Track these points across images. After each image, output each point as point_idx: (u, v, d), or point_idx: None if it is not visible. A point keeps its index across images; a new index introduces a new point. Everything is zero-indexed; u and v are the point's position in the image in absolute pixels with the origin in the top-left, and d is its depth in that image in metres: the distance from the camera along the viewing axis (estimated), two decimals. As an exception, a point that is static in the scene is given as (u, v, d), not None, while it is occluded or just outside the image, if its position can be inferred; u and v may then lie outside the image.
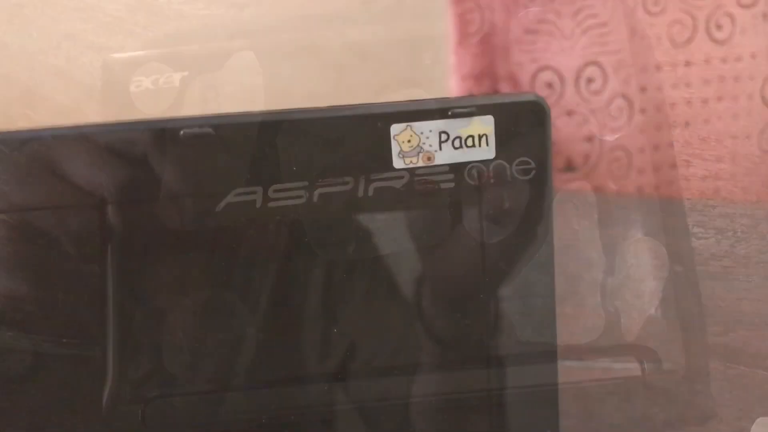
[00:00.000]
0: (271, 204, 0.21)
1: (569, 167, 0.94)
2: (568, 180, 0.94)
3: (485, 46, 0.89)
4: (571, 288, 0.44)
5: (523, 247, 0.18)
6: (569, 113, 0.95)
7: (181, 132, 0.17)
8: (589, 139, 0.96)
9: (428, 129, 0.15)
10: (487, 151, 0.15)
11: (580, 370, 0.37)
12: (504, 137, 0.15)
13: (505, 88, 0.90)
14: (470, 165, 0.15)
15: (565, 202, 0.54)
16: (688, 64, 0.95)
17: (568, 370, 0.36)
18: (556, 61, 0.93)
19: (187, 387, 0.29)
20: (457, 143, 0.15)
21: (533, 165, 0.16)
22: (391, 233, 0.18)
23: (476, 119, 0.15)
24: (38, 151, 0.21)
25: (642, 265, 0.44)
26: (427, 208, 0.17)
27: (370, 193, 0.16)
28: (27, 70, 1.30)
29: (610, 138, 0.90)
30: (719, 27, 0.90)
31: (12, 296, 0.26)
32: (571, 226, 0.50)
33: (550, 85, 0.96)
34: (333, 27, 1.36)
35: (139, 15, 1.42)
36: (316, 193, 0.18)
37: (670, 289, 0.44)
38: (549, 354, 0.22)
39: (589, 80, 0.96)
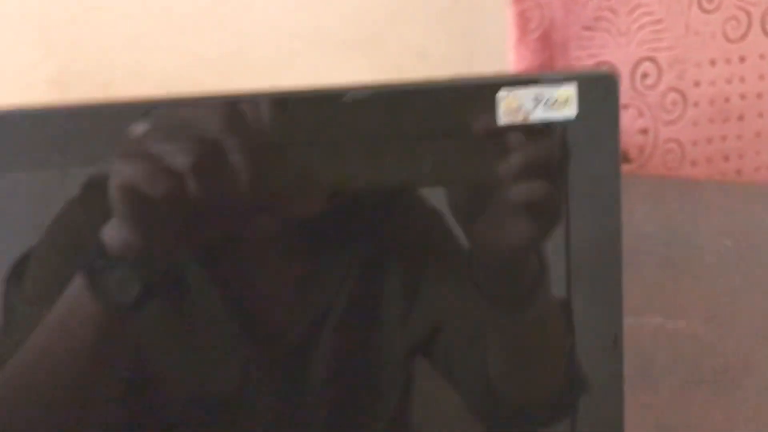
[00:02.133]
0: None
1: (624, 159, 0.98)
2: (623, 171, 0.98)
3: (544, 42, 0.93)
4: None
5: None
6: (625, 107, 0.99)
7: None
8: (644, 131, 1.00)
9: (526, 95, 0.18)
10: (570, 112, 0.19)
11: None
12: (584, 100, 0.19)
13: (562, 82, 0.94)
14: (556, 123, 0.19)
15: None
16: (742, 59, 0.97)
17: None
18: (612, 56, 0.97)
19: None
20: (549, 104, 0.18)
21: (604, 127, 0.20)
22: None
23: (564, 87, 0.19)
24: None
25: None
26: (521, 154, 0.21)
27: (479, 150, 0.20)
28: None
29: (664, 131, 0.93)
30: (774, 23, 0.92)
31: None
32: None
33: (606, 80, 0.99)
34: (391, 27, 1.40)
35: (206, 18, 1.47)
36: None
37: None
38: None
39: (644, 75, 0.99)
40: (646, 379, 0.38)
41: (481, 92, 0.21)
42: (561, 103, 0.21)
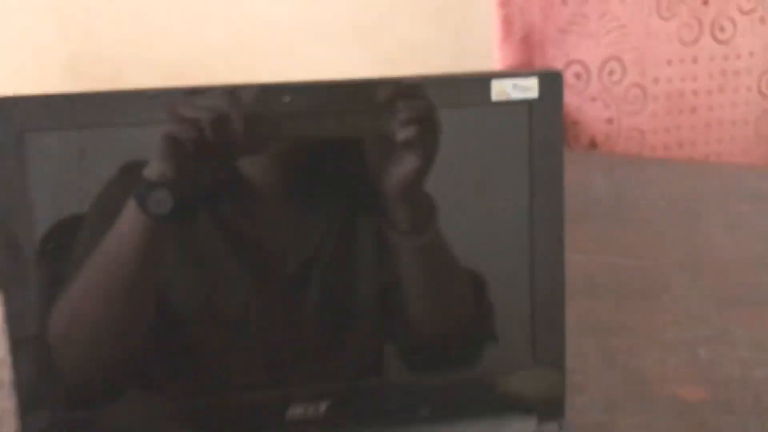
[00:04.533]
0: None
1: (592, 144, 1.12)
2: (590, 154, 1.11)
3: (525, 43, 1.07)
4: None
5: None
6: (593, 99, 1.13)
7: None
8: (610, 121, 1.14)
9: (508, 83, 0.30)
10: (533, 92, 0.31)
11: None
12: (543, 86, 0.31)
13: (540, 77, 1.07)
14: (527, 100, 0.31)
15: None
16: (695, 60, 1.11)
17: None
18: (584, 55, 1.11)
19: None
20: (521, 89, 0.30)
21: (551, 105, 0.32)
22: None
23: (532, 78, 0.30)
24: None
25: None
26: (506, 118, 0.33)
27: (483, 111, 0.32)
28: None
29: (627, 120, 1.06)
30: (722, 29, 1.06)
31: None
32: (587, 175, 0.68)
33: (578, 76, 1.13)
34: (386, 23, 1.47)
35: (214, 8, 1.51)
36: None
37: (655, 215, 0.61)
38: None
39: (611, 72, 1.13)
40: (591, 294, 0.53)
41: (480, 81, 0.35)
42: (529, 88, 0.35)
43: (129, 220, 0.40)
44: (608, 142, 1.08)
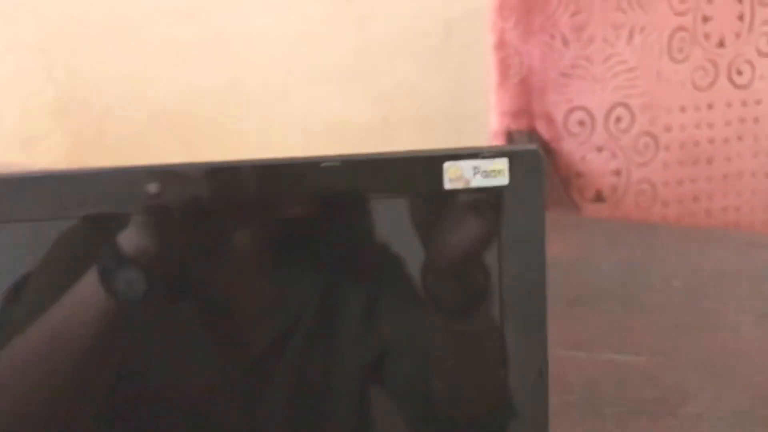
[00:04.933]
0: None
1: (598, 198, 1.03)
2: (597, 210, 1.02)
3: (523, 87, 0.98)
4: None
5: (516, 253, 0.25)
6: (599, 149, 1.04)
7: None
8: (617, 173, 1.05)
9: (467, 166, 0.22)
10: (503, 180, 0.22)
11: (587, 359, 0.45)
12: (514, 172, 0.23)
13: (541, 125, 0.99)
14: (493, 188, 0.22)
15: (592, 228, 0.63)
16: (710, 106, 1.03)
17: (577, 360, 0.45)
18: (588, 101, 1.02)
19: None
20: (485, 174, 0.22)
21: (530, 194, 0.23)
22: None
23: (498, 160, 0.22)
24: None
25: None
26: (465, 214, 0.24)
27: (430, 207, 0.23)
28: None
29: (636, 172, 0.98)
30: (740, 73, 0.98)
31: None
32: (592, 246, 0.59)
33: (582, 123, 1.04)
34: (384, 63, 1.44)
35: (203, 50, 1.50)
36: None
37: (670, 299, 0.52)
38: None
39: (618, 119, 1.04)
40: (593, 408, 0.43)
41: (431, 162, 0.26)
42: (496, 172, 0.26)
43: (87, 296, 0.34)
44: (616, 195, 1.00)
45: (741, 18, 0.96)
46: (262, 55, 1.47)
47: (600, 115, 0.98)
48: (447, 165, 0.25)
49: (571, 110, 0.97)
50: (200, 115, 1.51)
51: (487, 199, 0.26)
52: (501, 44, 0.94)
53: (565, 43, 0.93)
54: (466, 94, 1.43)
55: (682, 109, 0.99)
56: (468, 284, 0.30)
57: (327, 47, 1.47)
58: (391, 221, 0.27)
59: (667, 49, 0.96)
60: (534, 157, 0.27)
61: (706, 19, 0.96)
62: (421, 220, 0.27)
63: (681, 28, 0.95)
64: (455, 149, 0.26)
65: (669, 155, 0.99)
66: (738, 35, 0.96)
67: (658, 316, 0.51)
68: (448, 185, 0.26)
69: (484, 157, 0.26)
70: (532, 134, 0.97)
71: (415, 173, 0.26)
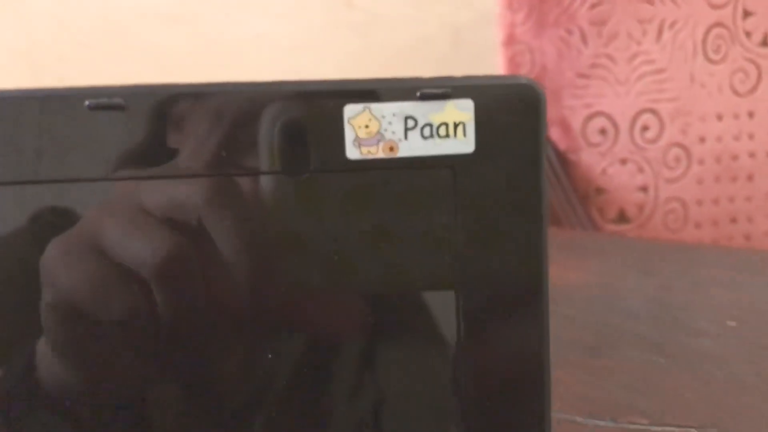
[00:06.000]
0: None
1: (622, 218, 0.90)
2: (619, 232, 0.90)
3: (535, 90, 0.86)
4: (607, 340, 0.40)
5: (507, 283, 0.14)
6: (623, 161, 0.91)
7: (86, 102, 0.15)
8: (644, 189, 0.92)
9: (392, 112, 0.12)
10: (464, 144, 0.12)
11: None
12: (487, 128, 0.13)
13: (555, 133, 0.87)
14: (442, 159, 0.12)
15: (611, 248, 0.51)
16: (751, 114, 0.90)
17: None
18: (610, 106, 0.90)
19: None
20: (427, 132, 0.12)
21: (521, 164, 0.13)
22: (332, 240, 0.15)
23: (451, 103, 0.12)
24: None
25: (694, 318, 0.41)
26: (385, 213, 0.14)
27: (314, 190, 0.13)
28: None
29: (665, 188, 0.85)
30: (786, 77, 0.85)
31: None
32: (615, 273, 0.47)
33: (603, 132, 0.92)
34: (389, 72, 1.36)
35: (202, 58, 1.44)
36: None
37: (724, 346, 0.39)
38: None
39: (645, 128, 0.92)
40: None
41: (319, 107, 0.14)
42: (450, 128, 0.14)
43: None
44: (641, 215, 0.87)
45: (787, 13, 0.84)
46: (258, 63, 1.41)
47: (624, 122, 0.86)
48: (351, 110, 0.14)
49: (591, 116, 0.85)
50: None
51: (430, 181, 0.14)
52: (510, 40, 0.83)
53: (584, 39, 0.81)
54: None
55: (719, 117, 0.87)
56: (414, 323, 0.19)
57: (327, 55, 1.40)
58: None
59: (701, 47, 0.84)
60: (527, 96, 0.14)
61: (747, 13, 0.84)
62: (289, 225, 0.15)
63: (718, 24, 0.83)
64: (369, 80, 0.14)
65: (703, 170, 0.87)
66: (783, 33, 0.84)
67: (710, 369, 0.38)
68: (352, 151, 0.14)
69: (426, 97, 0.14)
70: (546, 144, 0.85)
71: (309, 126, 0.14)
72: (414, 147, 0.14)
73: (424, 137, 0.14)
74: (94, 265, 0.23)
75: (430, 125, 0.14)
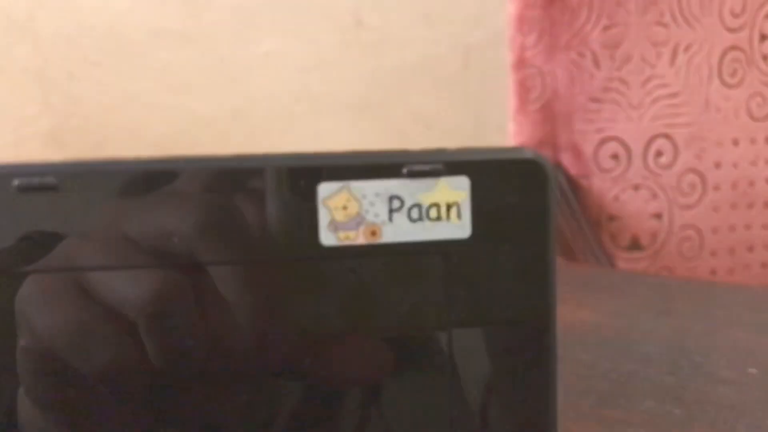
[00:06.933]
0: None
1: (635, 246, 0.88)
2: (632, 260, 0.87)
3: (546, 113, 0.84)
4: (620, 388, 0.38)
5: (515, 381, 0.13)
6: (636, 187, 0.89)
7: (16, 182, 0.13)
8: (658, 216, 0.90)
9: (374, 191, 0.11)
10: (458, 228, 0.11)
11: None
12: (485, 210, 0.11)
13: (566, 158, 0.85)
14: (433, 246, 0.11)
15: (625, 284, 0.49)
16: (768, 139, 0.88)
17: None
18: (623, 131, 0.88)
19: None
20: (415, 214, 0.11)
21: (526, 252, 0.11)
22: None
23: (444, 180, 0.11)
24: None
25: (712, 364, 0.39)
26: (365, 309, 0.12)
27: (283, 282, 0.11)
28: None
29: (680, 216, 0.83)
30: (804, 101, 0.83)
31: None
32: (630, 313, 0.45)
33: (615, 157, 0.90)
34: (396, 93, 1.35)
35: (213, 76, 1.44)
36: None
37: (745, 395, 0.37)
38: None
39: (658, 153, 0.89)
40: None
41: (290, 185, 0.12)
42: (442, 209, 0.12)
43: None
44: (655, 243, 0.85)
45: (806, 36, 0.82)
46: (268, 82, 1.40)
47: (637, 147, 0.84)
48: (326, 189, 0.12)
49: (603, 141, 0.83)
50: (202, 144, 1.46)
51: (418, 272, 0.12)
52: (520, 63, 0.81)
53: (596, 62, 0.80)
54: (486, 128, 1.35)
55: (735, 143, 0.84)
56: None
57: (337, 75, 1.40)
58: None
59: (717, 71, 0.82)
60: (532, 174, 0.12)
61: (764, 37, 0.82)
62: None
63: (735, 47, 0.81)
64: (350, 153, 0.12)
65: (719, 196, 0.85)
66: (802, 57, 0.82)
67: (730, 421, 0.36)
68: (327, 237, 0.12)
69: (414, 175, 0.12)
70: (557, 169, 0.83)
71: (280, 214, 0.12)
72: (400, 232, 0.12)
73: (411, 220, 0.12)
74: (75, 306, 0.22)
75: (419, 206, 0.12)
